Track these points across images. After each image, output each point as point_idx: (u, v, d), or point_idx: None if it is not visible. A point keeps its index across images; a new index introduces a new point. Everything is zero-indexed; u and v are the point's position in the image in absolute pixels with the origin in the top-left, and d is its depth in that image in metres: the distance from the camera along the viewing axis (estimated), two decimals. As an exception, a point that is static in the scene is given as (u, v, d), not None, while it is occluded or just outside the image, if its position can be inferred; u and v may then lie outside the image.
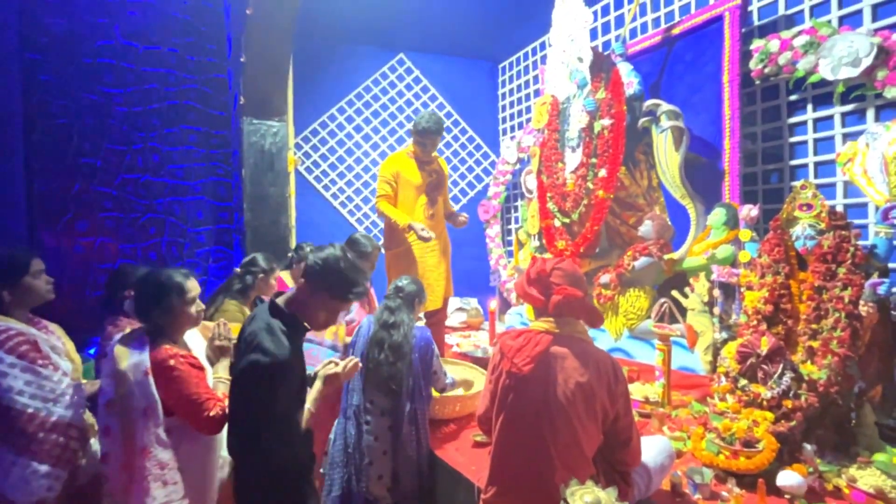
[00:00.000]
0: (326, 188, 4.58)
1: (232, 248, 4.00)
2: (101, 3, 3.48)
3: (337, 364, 1.55)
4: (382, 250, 2.90)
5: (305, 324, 1.44)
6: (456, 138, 5.03)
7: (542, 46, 4.51)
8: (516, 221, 4.79)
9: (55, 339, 1.67)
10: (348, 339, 2.34)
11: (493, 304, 3.55)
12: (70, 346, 1.74)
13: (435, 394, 2.18)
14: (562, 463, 1.27)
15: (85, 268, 3.50)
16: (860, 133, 2.25)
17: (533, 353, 1.33)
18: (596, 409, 1.30)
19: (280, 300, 1.44)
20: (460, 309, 4.52)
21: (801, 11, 2.62)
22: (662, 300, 2.70)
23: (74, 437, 1.49)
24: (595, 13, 3.80)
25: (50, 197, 3.37)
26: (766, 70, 2.62)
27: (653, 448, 1.53)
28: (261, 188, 3.65)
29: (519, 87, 4.92)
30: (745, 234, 2.43)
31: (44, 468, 1.41)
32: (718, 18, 2.82)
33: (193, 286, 1.51)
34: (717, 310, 2.44)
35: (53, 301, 1.72)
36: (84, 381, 1.70)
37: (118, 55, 3.55)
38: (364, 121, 4.69)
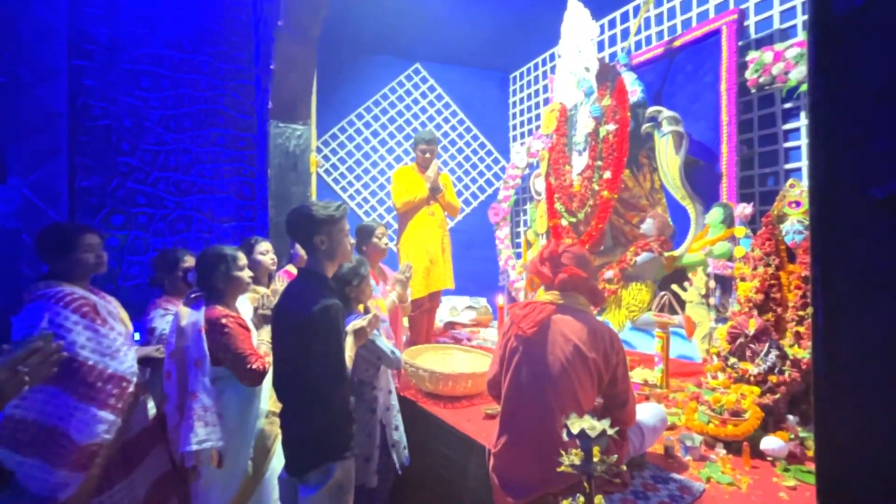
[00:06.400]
0: (344, 189, 4.81)
1: (254, 243, 4.22)
2: (142, 14, 3.78)
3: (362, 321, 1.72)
4: (392, 246, 3.08)
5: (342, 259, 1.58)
6: (468, 144, 5.25)
7: (552, 58, 4.74)
8: (525, 224, 4.97)
9: (111, 306, 1.87)
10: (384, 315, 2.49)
11: (501, 299, 3.72)
12: (123, 314, 1.93)
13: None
14: (561, 414, 1.43)
15: (119, 259, 3.74)
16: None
17: (537, 318, 1.51)
18: (591, 369, 1.47)
19: (304, 269, 1.57)
20: (470, 307, 4.68)
21: (794, 26, 2.80)
22: (663, 293, 2.85)
23: (127, 389, 1.68)
24: (602, 26, 4.02)
25: (90, 192, 3.63)
26: (761, 80, 2.79)
27: (647, 412, 1.69)
28: (284, 187, 3.88)
29: (529, 95, 5.14)
30: (739, 230, 2.59)
31: (101, 414, 1.59)
32: (717, 32, 3.01)
33: (243, 256, 1.74)
34: (712, 300, 2.60)
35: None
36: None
37: (156, 62, 3.83)
38: (381, 126, 4.93)
